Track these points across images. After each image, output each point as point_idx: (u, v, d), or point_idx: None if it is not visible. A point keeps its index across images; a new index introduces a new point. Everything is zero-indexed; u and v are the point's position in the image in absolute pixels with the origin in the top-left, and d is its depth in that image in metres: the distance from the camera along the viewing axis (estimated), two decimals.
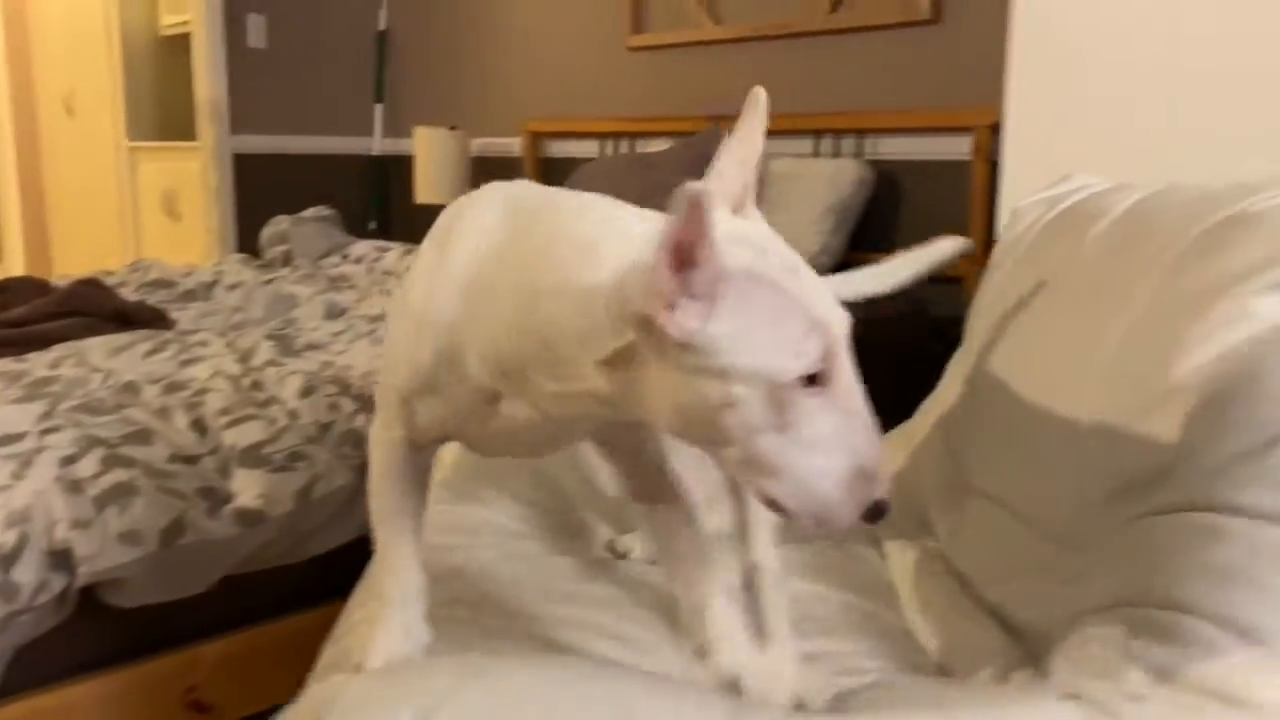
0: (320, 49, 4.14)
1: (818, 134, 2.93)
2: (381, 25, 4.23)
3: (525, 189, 0.86)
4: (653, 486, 0.91)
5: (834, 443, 0.67)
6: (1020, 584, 1.10)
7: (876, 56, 2.85)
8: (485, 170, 3.97)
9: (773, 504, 0.69)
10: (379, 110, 4.26)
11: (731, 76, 3.19)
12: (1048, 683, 0.87)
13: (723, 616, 0.89)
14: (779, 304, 0.67)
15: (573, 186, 3.46)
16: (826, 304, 0.68)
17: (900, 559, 1.26)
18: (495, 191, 0.85)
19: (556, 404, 0.76)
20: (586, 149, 3.56)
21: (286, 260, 2.83)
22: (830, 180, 2.76)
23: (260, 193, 3.99)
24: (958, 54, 2.67)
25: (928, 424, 1.45)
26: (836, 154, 2.90)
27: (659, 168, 3.05)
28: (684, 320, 0.65)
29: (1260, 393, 0.83)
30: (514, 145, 3.81)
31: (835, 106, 2.93)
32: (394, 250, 2.71)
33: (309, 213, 3.10)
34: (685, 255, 0.64)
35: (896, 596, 1.19)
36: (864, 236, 2.74)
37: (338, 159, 4.21)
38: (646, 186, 3.01)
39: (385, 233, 4.25)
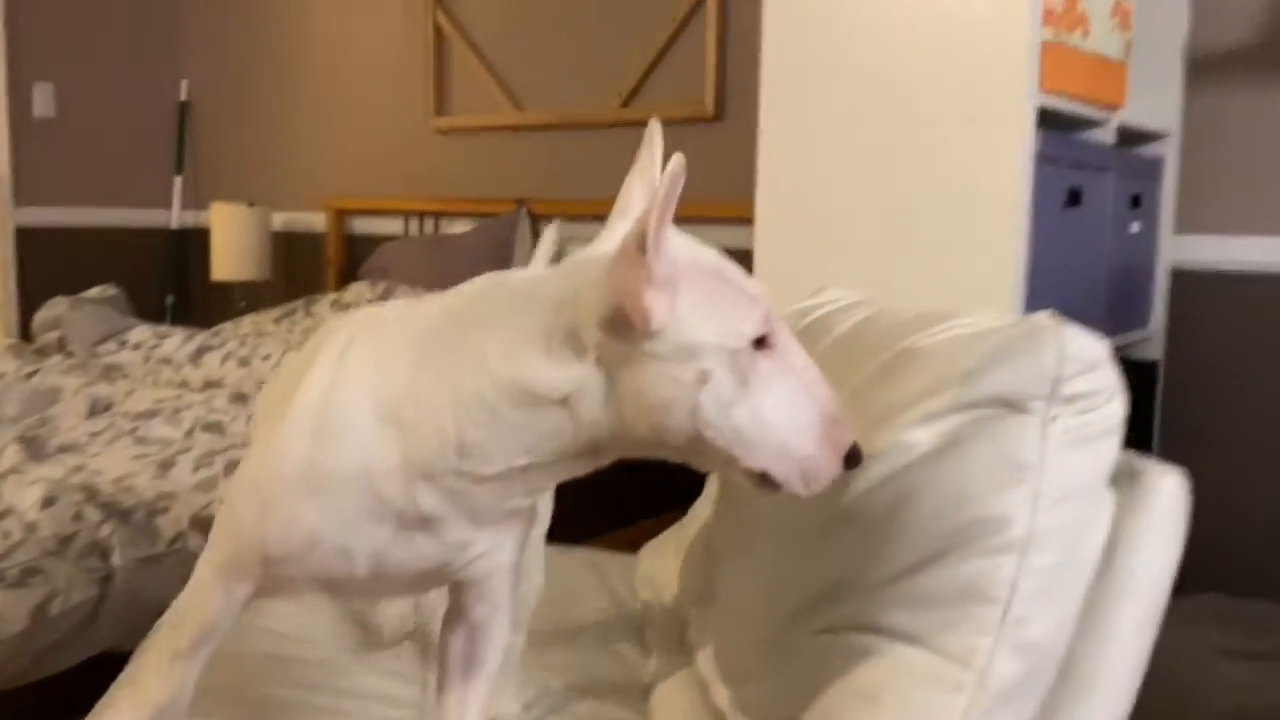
0: (115, 119, 3.99)
1: None
2: (183, 96, 4.12)
3: (371, 319, 0.81)
4: (481, 616, 0.87)
5: (798, 397, 0.72)
6: (744, 690, 1.15)
7: (667, 149, 2.95)
8: (288, 246, 3.90)
9: (762, 479, 0.72)
10: (178, 183, 4.13)
11: (533, 161, 3.25)
12: None
13: None
14: (719, 282, 0.72)
15: (376, 263, 3.43)
16: (752, 282, 0.74)
17: (659, 667, 1.30)
18: (341, 337, 0.79)
19: (524, 484, 0.75)
20: (391, 227, 3.55)
21: (61, 346, 2.69)
22: None
23: (50, 270, 3.79)
24: (739, 149, 2.80)
25: (695, 525, 1.50)
26: None
27: (460, 248, 3.07)
28: (656, 306, 0.68)
29: (907, 519, 0.91)
30: (318, 221, 3.76)
31: None
32: (175, 336, 2.61)
33: (92, 292, 2.96)
34: (641, 248, 0.68)
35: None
36: None
37: (134, 233, 4.06)
38: (447, 265, 3.04)
39: (184, 309, 4.11)
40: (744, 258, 2.81)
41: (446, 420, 0.72)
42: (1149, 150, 2.09)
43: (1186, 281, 2.17)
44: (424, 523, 0.75)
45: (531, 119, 3.22)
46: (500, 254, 2.94)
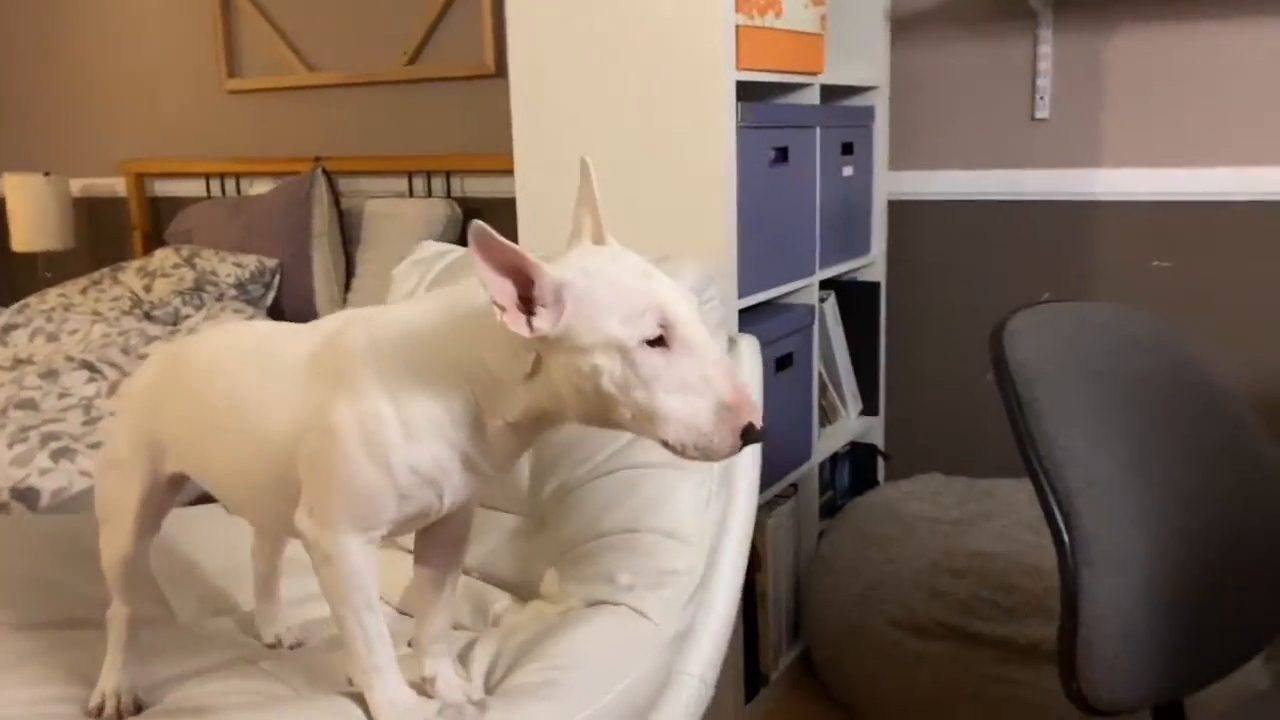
0: None
1: (410, 174, 3.18)
2: None
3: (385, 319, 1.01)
4: (447, 556, 1.12)
5: (693, 386, 0.86)
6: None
7: (453, 105, 3.14)
8: (90, 211, 3.90)
9: (666, 446, 0.87)
10: None
11: (328, 119, 3.37)
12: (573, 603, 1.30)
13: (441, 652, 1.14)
14: (616, 292, 0.87)
15: (179, 226, 3.49)
16: (666, 290, 0.88)
17: None
18: (359, 330, 1.01)
19: (517, 437, 0.97)
20: (193, 189, 3.61)
21: None
22: (423, 218, 3.02)
23: None
24: None
25: None
26: (429, 193, 3.17)
27: (261, 209, 3.19)
28: (539, 323, 0.87)
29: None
30: (118, 186, 3.78)
31: (422, 149, 3.19)
32: None
33: None
34: (519, 276, 0.87)
35: None
36: None
37: None
38: (249, 226, 3.17)
39: None
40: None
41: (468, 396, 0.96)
42: (859, 101, 2.42)
43: (900, 211, 2.54)
44: (474, 466, 0.99)
45: (322, 79, 3.33)
46: (299, 212, 3.07)
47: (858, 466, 2.55)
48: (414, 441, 0.96)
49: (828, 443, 2.31)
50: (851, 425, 2.46)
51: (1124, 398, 1.30)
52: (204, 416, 1.10)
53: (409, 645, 1.21)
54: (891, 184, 2.53)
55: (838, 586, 2.08)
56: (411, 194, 3.19)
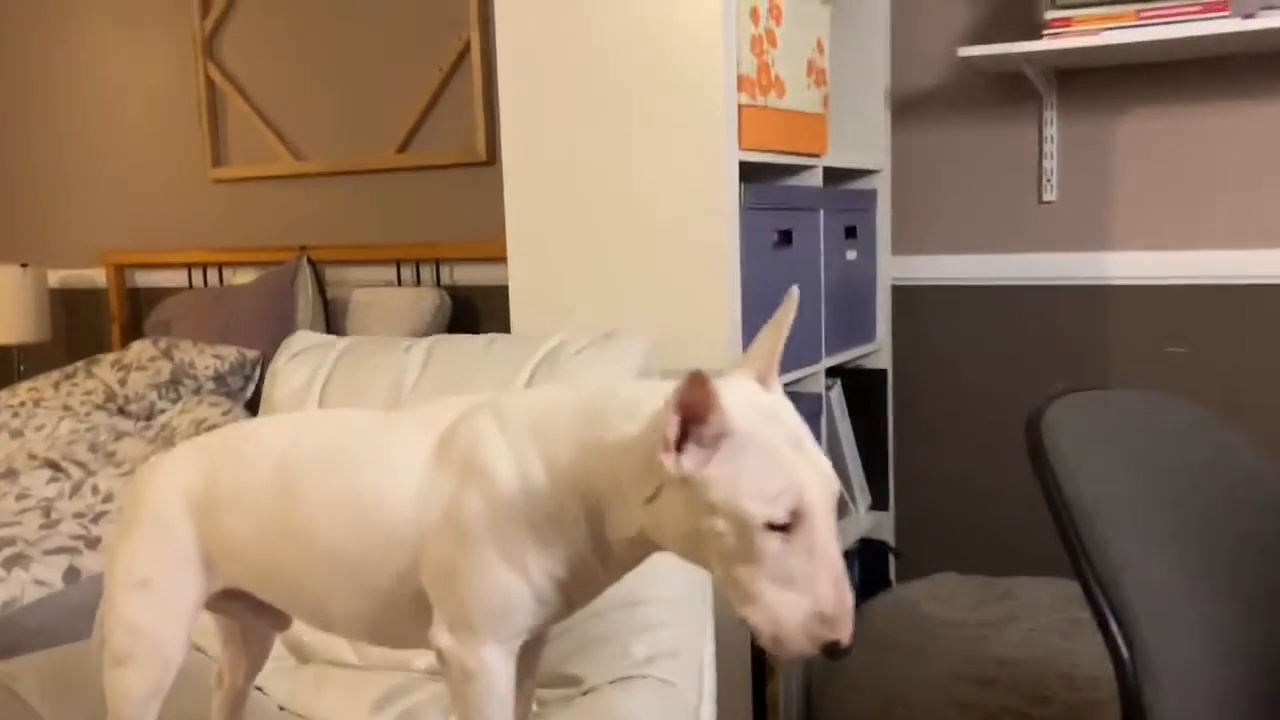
0: None
1: (399, 263, 3.10)
2: None
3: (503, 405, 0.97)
4: (531, 662, 1.07)
5: (798, 584, 0.80)
6: None
7: (444, 193, 3.07)
8: (68, 303, 3.80)
9: (744, 622, 0.82)
10: None
11: (314, 209, 3.30)
12: None
13: None
14: (765, 464, 0.80)
15: (159, 317, 3.38)
16: (812, 472, 0.82)
17: None
18: (488, 421, 0.96)
19: (634, 550, 0.92)
20: (175, 279, 3.51)
21: None
22: (411, 307, 2.93)
23: None
24: None
25: None
26: (417, 282, 3.08)
27: (244, 299, 3.09)
28: (685, 462, 0.81)
29: None
30: (98, 277, 3.68)
31: (411, 238, 3.12)
32: None
33: None
34: (695, 413, 0.80)
35: None
36: None
37: None
38: (231, 317, 3.06)
39: None
40: None
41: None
42: (862, 185, 2.36)
43: (905, 296, 2.45)
44: (595, 574, 0.95)
45: (309, 168, 3.27)
46: (282, 302, 2.97)
47: (868, 564, 2.42)
48: (546, 546, 0.92)
49: None
50: (861, 521, 2.33)
51: (1172, 492, 1.20)
52: (290, 520, 1.00)
53: None
54: (896, 268, 2.45)
55: (856, 698, 1.93)
56: (400, 283, 3.10)
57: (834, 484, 0.84)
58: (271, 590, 1.04)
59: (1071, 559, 1.07)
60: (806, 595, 0.80)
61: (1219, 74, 2.15)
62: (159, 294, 3.51)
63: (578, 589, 0.95)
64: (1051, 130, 2.30)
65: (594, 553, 0.93)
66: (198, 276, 3.46)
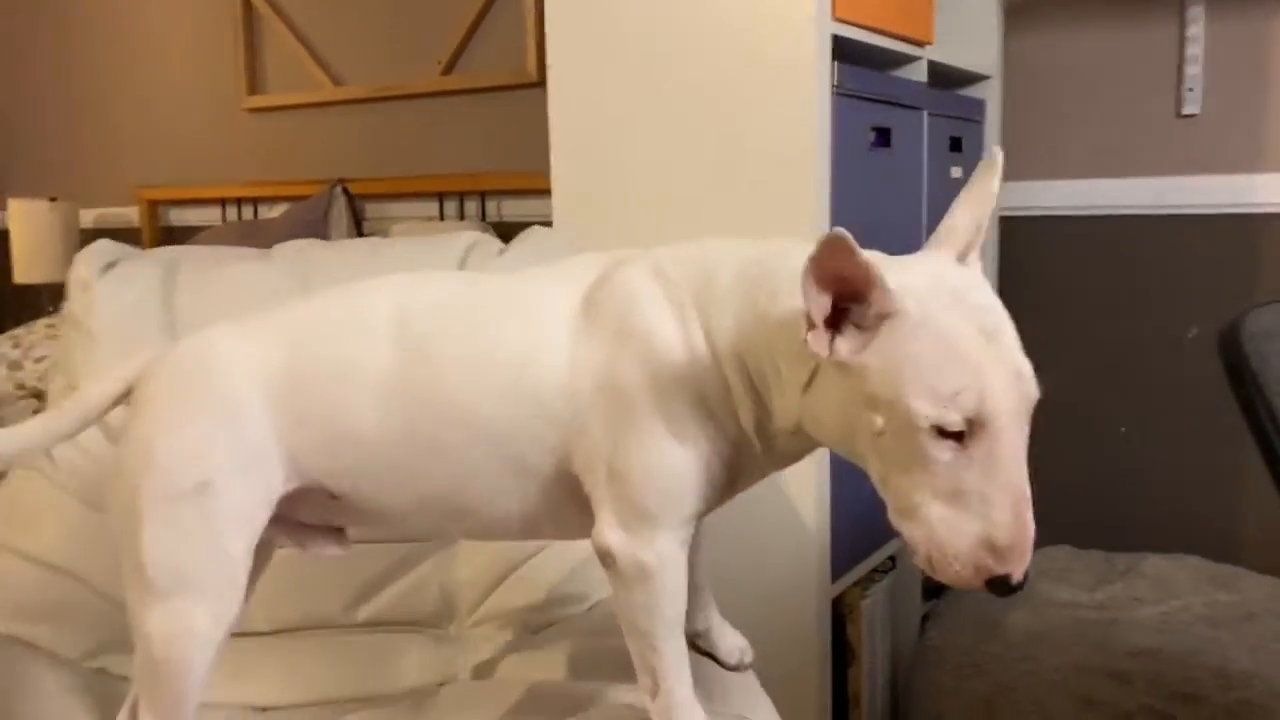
0: None
1: (441, 196, 2.85)
2: None
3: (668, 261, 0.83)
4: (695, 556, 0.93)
5: (969, 504, 0.67)
6: None
7: (492, 117, 2.80)
8: None
9: (900, 535, 0.71)
10: None
11: (351, 137, 3.06)
12: None
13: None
14: (941, 354, 0.67)
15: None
16: (1003, 371, 0.68)
17: None
18: (650, 280, 0.82)
19: (798, 440, 0.79)
20: (207, 216, 3.31)
21: None
22: None
23: None
24: None
25: None
26: (461, 216, 2.83)
27: (273, 234, 2.86)
28: (839, 345, 0.69)
29: None
30: (131, 215, 3.49)
31: (455, 168, 2.86)
32: None
33: None
34: (851, 287, 0.67)
35: None
36: None
37: None
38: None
39: None
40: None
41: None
42: (969, 92, 2.03)
43: (1013, 229, 2.12)
44: (756, 457, 0.83)
45: (348, 93, 3.02)
46: (313, 236, 2.73)
47: None
48: (712, 419, 0.80)
49: None
50: None
51: None
52: (419, 386, 0.83)
53: None
54: (1003, 196, 2.11)
55: (957, 687, 1.62)
56: (442, 218, 2.85)
57: (1031, 389, 0.70)
58: (379, 481, 0.85)
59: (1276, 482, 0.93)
60: (978, 519, 0.68)
61: None
62: (192, 231, 3.30)
63: (740, 472, 0.83)
64: (1196, 29, 1.95)
65: (757, 435, 0.80)
66: (232, 212, 3.24)
